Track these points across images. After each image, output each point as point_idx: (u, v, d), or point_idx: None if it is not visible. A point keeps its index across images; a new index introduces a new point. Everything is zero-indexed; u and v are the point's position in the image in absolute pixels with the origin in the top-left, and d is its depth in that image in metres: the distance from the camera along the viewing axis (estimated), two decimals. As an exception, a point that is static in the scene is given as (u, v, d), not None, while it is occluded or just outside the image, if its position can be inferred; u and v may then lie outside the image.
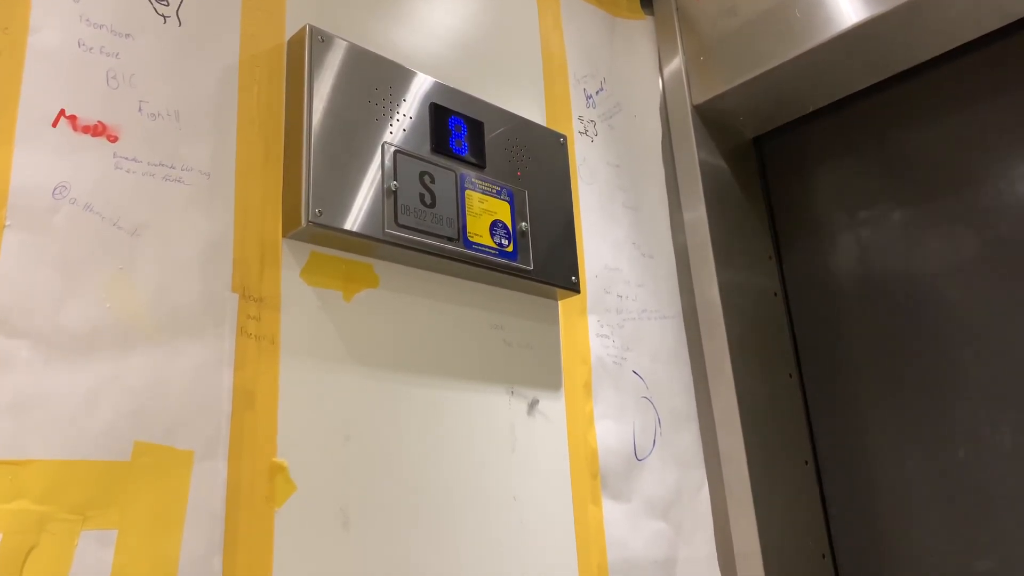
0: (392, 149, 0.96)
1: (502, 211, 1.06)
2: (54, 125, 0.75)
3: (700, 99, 1.47)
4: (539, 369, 1.11)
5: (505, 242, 1.05)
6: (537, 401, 1.09)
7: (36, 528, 0.66)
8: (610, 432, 1.17)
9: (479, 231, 1.02)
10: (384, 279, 0.97)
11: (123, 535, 0.71)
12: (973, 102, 1.35)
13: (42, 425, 0.69)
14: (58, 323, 0.71)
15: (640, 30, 1.53)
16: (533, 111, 1.24)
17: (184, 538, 0.74)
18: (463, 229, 1.00)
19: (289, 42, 0.95)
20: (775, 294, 1.51)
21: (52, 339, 0.71)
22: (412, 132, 0.99)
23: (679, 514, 1.23)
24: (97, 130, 0.78)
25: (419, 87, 1.02)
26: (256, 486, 0.79)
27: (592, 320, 1.21)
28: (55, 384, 0.70)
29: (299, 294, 0.89)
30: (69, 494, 0.69)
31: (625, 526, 1.14)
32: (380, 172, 0.94)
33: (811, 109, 1.52)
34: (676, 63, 1.52)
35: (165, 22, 0.86)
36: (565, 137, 1.21)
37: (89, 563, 0.68)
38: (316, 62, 0.92)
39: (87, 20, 0.79)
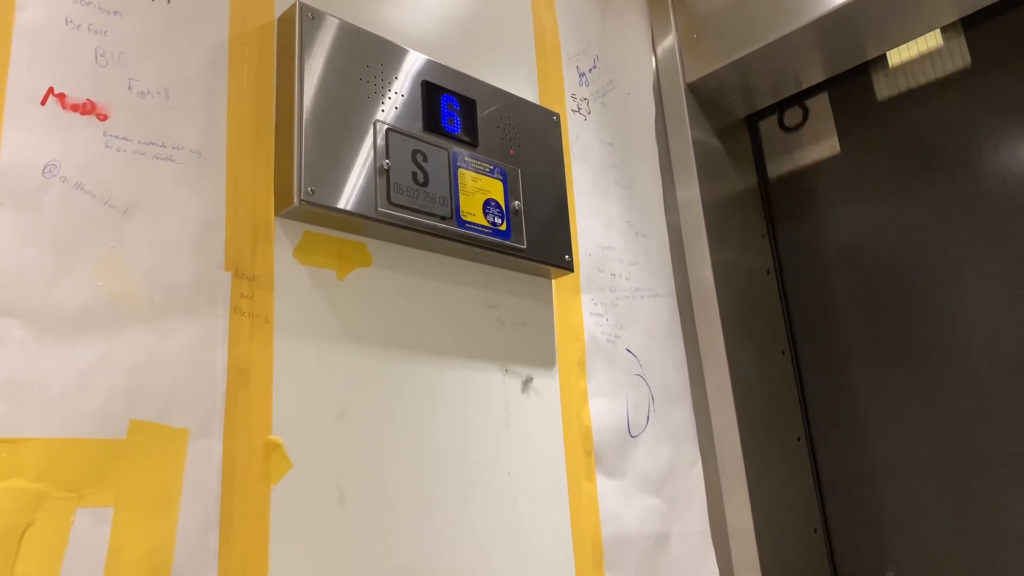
0: (384, 127, 0.95)
1: (495, 190, 1.06)
2: (43, 103, 0.75)
3: (693, 77, 1.47)
4: (533, 347, 1.11)
5: (498, 221, 1.05)
6: (531, 379, 1.10)
7: (32, 506, 0.67)
8: (604, 409, 1.18)
9: (472, 210, 1.02)
10: (377, 258, 0.97)
11: (119, 513, 0.71)
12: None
13: (36, 404, 0.69)
14: (50, 302, 0.71)
15: (633, 7, 1.52)
16: (526, 89, 1.23)
17: (180, 515, 0.74)
18: (456, 208, 1.00)
19: (279, 19, 0.95)
20: (768, 272, 1.52)
21: (45, 318, 0.71)
22: (404, 110, 0.99)
23: (672, 490, 1.24)
24: (86, 108, 0.77)
25: (411, 65, 1.01)
26: (251, 464, 0.80)
27: (585, 298, 1.21)
28: (48, 363, 0.70)
29: (292, 273, 0.89)
30: (65, 472, 0.69)
31: (619, 502, 1.15)
32: (372, 150, 0.93)
33: (805, 86, 1.52)
34: (669, 40, 1.51)
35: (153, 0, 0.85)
36: (558, 115, 1.20)
37: (85, 540, 0.69)
38: (307, 40, 0.91)
39: (74, -3, 0.79)
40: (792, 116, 1.57)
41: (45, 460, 0.68)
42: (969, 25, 1.35)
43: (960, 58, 1.36)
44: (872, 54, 1.43)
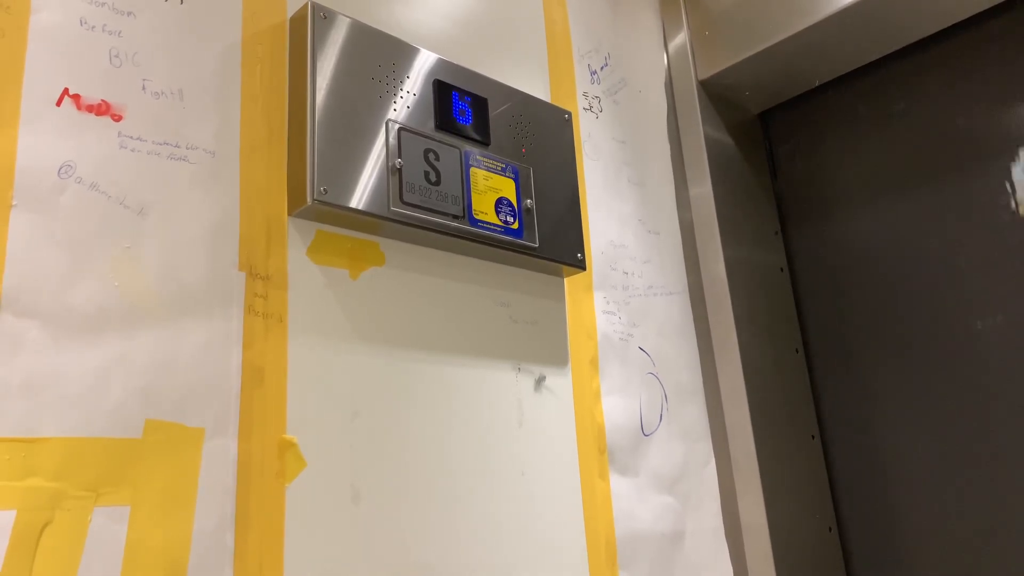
0: (396, 126, 0.95)
1: (507, 188, 1.06)
2: (58, 104, 0.75)
3: (705, 74, 1.46)
4: (546, 346, 1.11)
5: (510, 219, 1.05)
6: (544, 377, 1.09)
7: (50, 504, 0.67)
8: (617, 407, 1.17)
9: (484, 208, 1.02)
10: (390, 257, 0.97)
11: (136, 511, 0.71)
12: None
13: (53, 403, 0.69)
14: (67, 302, 0.72)
15: (644, 4, 1.51)
16: (537, 87, 1.23)
17: (196, 514, 0.75)
18: (468, 207, 1.00)
19: (291, 19, 0.95)
20: (781, 269, 1.51)
21: (61, 318, 0.71)
22: (416, 109, 0.99)
23: (686, 488, 1.24)
24: (101, 109, 0.77)
25: (422, 64, 1.01)
26: (266, 462, 0.80)
27: (598, 297, 1.21)
28: (65, 363, 0.70)
29: (306, 272, 0.89)
30: (82, 471, 0.69)
31: (633, 500, 1.15)
32: (384, 150, 0.94)
33: (817, 83, 1.51)
34: (681, 38, 1.50)
35: (166, 0, 0.85)
36: (570, 113, 1.20)
37: (103, 539, 0.69)
38: (318, 39, 0.92)
39: (89, -2, 0.79)
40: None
41: (62, 459, 0.69)
42: (982, 22, 1.34)
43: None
44: (886, 50, 1.42)
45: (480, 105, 1.06)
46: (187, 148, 0.83)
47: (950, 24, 1.35)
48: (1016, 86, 1.30)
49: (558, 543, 1.04)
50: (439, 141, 0.99)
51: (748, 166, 1.52)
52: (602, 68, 1.37)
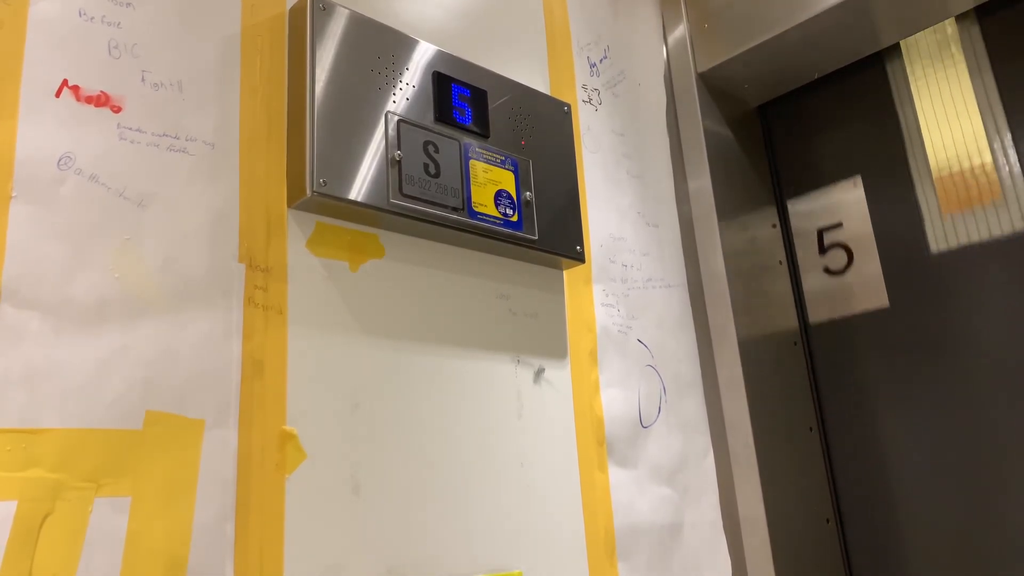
0: (395, 118, 0.95)
1: (506, 181, 1.06)
2: (57, 96, 0.75)
3: (704, 67, 1.46)
4: (545, 338, 1.11)
5: (510, 212, 1.05)
6: (543, 369, 1.10)
7: (51, 495, 0.67)
8: (616, 400, 1.18)
9: (484, 201, 1.02)
10: (390, 249, 0.97)
11: (137, 502, 0.72)
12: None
13: (54, 395, 0.69)
14: (67, 294, 0.72)
15: (644, -3, 1.51)
16: (536, 80, 1.23)
17: (197, 505, 0.75)
18: (468, 199, 1.00)
19: (291, 11, 0.95)
20: (780, 262, 1.51)
21: (62, 310, 0.71)
22: (415, 101, 0.99)
23: (685, 480, 1.24)
24: (100, 100, 0.77)
25: (422, 55, 1.01)
26: (266, 454, 0.80)
27: (597, 289, 1.21)
28: (66, 354, 0.71)
29: (305, 264, 0.89)
30: (83, 462, 0.69)
31: (631, 492, 1.15)
32: (384, 142, 0.94)
33: (816, 76, 1.51)
34: (680, 30, 1.50)
35: (166, -9, 0.85)
36: (569, 106, 1.20)
37: (104, 529, 0.69)
38: (318, 31, 0.91)
39: (87, -11, 0.79)
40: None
41: (63, 450, 0.69)
42: (984, 15, 1.34)
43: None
44: (886, 43, 1.42)
45: (479, 97, 1.06)
46: (186, 140, 0.83)
47: (952, 15, 1.35)
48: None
49: (557, 534, 1.04)
50: (438, 133, 0.99)
51: (747, 159, 1.52)
52: (601, 60, 1.36)
